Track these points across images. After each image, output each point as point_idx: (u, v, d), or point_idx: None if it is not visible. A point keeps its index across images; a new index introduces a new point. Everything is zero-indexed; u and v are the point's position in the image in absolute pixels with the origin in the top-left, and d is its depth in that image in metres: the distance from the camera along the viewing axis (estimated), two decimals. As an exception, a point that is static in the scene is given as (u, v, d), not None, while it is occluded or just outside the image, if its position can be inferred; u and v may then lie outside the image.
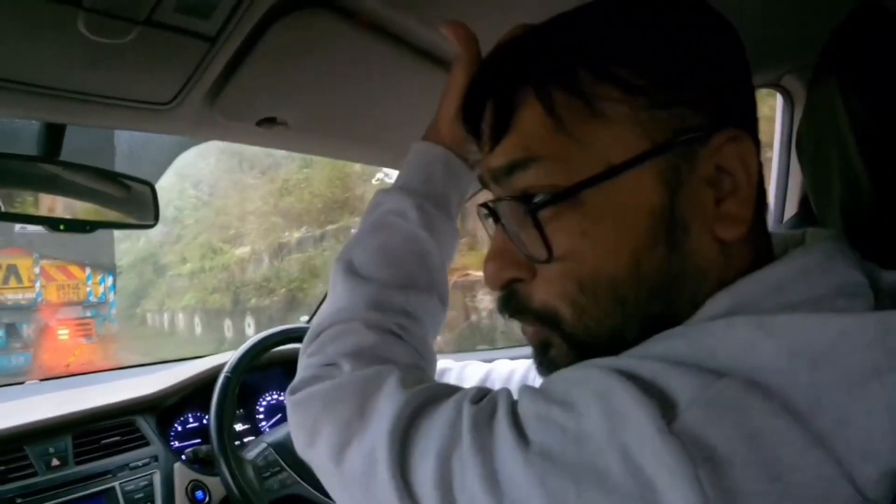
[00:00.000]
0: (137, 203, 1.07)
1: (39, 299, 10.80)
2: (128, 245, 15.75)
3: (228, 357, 1.29)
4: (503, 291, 0.52)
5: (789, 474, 0.36)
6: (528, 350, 0.55)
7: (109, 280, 11.96)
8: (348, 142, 1.22)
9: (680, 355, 0.41)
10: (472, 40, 0.66)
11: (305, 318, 1.99)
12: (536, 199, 0.47)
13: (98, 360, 10.84)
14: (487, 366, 1.11)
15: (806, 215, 1.14)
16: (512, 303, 0.52)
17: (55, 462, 1.19)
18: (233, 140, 1.10)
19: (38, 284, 10.75)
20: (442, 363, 1.19)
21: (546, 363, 0.52)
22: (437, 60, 0.91)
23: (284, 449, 1.28)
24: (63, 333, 10.80)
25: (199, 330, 13.99)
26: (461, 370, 1.13)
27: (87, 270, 11.49)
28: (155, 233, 15.93)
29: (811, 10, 0.87)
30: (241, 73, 0.83)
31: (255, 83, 0.87)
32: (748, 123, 0.48)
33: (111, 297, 12.02)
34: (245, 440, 1.50)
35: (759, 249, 0.49)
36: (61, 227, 1.00)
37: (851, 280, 0.46)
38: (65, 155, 0.95)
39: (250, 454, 1.25)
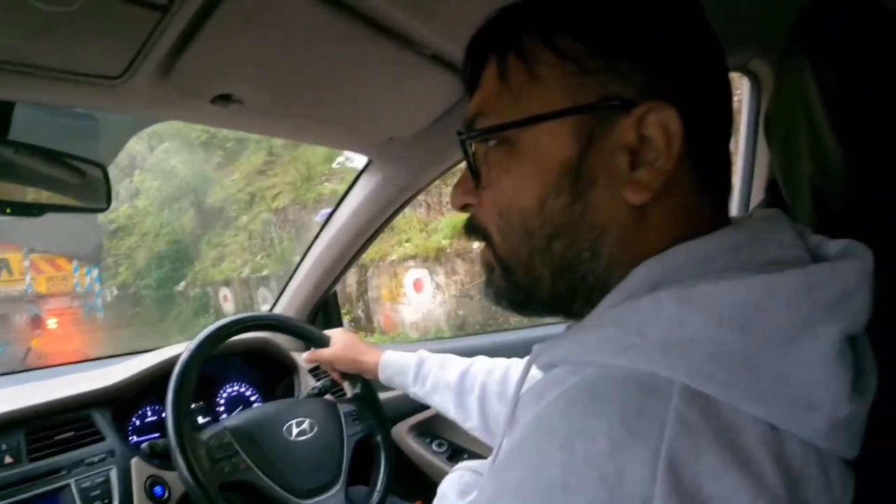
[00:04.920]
0: (88, 185, 1.03)
1: (30, 291, 11.05)
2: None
3: (184, 347, 1.25)
4: (465, 214, 0.62)
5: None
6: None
7: (95, 272, 12.06)
8: (307, 122, 1.19)
9: (612, 348, 0.45)
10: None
11: (266, 307, 1.97)
12: (470, 135, 0.57)
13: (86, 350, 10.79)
14: (466, 361, 1.15)
15: (773, 201, 1.14)
16: (468, 223, 0.61)
17: (7, 459, 1.14)
18: (187, 119, 1.07)
19: (28, 277, 11.01)
20: (420, 353, 1.19)
21: (488, 283, 0.61)
22: (399, 37, 0.89)
23: (241, 433, 1.24)
24: (52, 323, 10.99)
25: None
26: (441, 363, 1.16)
27: (74, 263, 11.62)
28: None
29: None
30: (195, 47, 0.79)
31: (209, 57, 0.83)
32: (691, 99, 0.50)
33: (97, 287, 12.11)
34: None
35: (688, 223, 0.51)
36: (7, 210, 0.95)
37: (784, 254, 0.48)
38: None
39: (205, 435, 1.21)
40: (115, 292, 12.30)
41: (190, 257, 11.64)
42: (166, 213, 11.93)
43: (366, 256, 7.40)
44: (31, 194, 1.01)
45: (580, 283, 0.53)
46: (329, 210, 1.69)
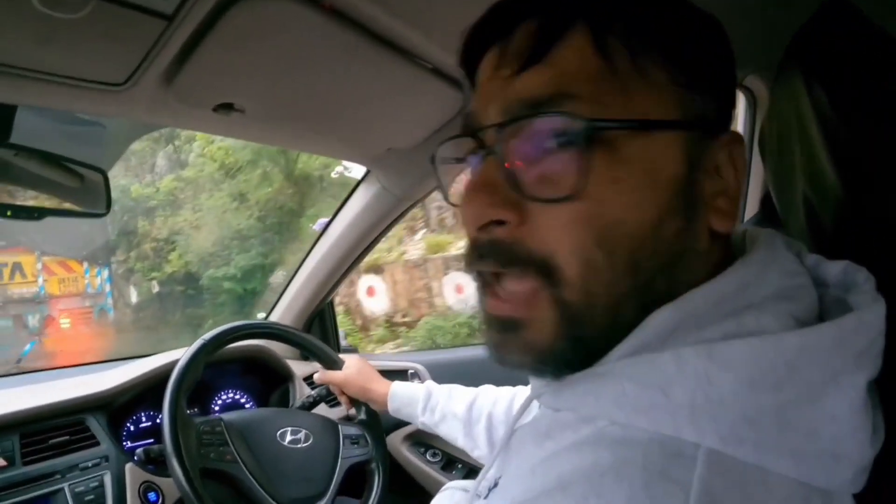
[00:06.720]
0: (89, 190, 1.04)
1: (42, 292, 11.30)
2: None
3: (181, 354, 1.25)
4: (481, 235, 0.47)
5: None
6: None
7: (105, 273, 12.15)
8: (307, 133, 1.20)
9: (631, 406, 0.41)
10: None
11: (262, 314, 1.97)
12: (571, 128, 0.43)
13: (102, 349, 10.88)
14: (473, 392, 1.15)
15: (767, 214, 1.15)
16: (497, 249, 0.46)
17: (1, 462, 1.14)
18: (188, 127, 1.08)
19: (40, 279, 11.27)
20: (428, 384, 1.20)
21: (517, 337, 0.47)
22: (400, 50, 0.90)
23: (234, 427, 1.24)
24: (64, 323, 11.26)
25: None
26: (448, 394, 1.18)
27: (85, 265, 11.82)
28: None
29: (775, 10, 0.87)
30: (199, 55, 0.80)
31: (212, 66, 0.84)
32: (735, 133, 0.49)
33: (107, 287, 12.20)
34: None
35: (727, 253, 0.49)
36: (8, 213, 0.96)
37: (789, 285, 0.46)
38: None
39: (199, 419, 1.21)
40: (157, 288, 10.45)
41: (284, 240, 8.57)
42: (234, 183, 8.93)
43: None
44: (32, 198, 1.02)
45: (626, 331, 0.44)
46: (326, 219, 1.70)
